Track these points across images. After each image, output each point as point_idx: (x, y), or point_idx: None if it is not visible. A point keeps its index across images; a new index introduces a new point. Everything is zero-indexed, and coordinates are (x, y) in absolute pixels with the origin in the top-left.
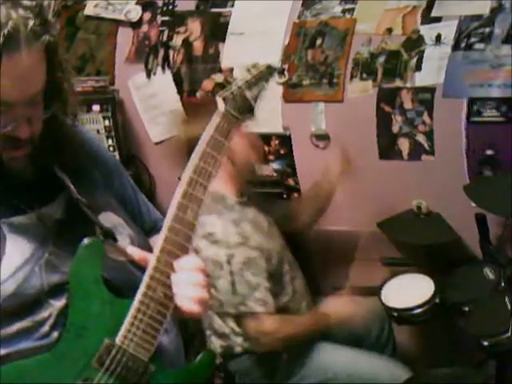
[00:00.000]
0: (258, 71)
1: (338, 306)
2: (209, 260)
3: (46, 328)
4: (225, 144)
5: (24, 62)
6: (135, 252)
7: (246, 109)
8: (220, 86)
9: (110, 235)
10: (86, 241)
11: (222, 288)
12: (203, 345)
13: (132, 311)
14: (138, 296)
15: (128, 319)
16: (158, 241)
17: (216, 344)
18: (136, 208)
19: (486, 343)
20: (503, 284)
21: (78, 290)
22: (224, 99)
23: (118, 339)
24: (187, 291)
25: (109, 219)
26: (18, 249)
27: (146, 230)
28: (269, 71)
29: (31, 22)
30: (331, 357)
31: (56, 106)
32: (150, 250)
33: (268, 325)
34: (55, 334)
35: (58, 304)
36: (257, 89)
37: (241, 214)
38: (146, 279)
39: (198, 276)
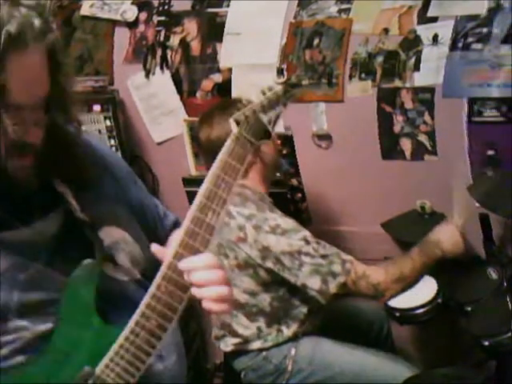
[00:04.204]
0: (275, 94)
1: (447, 233)
2: (284, 255)
3: (4, 351)
4: (239, 169)
5: (31, 62)
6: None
7: (261, 133)
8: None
9: (107, 256)
10: (83, 263)
11: (311, 271)
12: (203, 345)
13: (120, 340)
14: (130, 324)
15: (113, 348)
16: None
17: (229, 342)
18: (155, 213)
19: (486, 343)
20: (505, 284)
21: (68, 314)
22: (237, 122)
23: (99, 368)
24: (208, 291)
25: (111, 234)
26: None
27: (165, 231)
28: (286, 95)
29: (36, 21)
30: (338, 354)
31: (57, 111)
32: (157, 264)
33: (378, 275)
34: (19, 358)
35: (33, 326)
36: (273, 112)
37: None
38: (141, 307)
39: (216, 273)
